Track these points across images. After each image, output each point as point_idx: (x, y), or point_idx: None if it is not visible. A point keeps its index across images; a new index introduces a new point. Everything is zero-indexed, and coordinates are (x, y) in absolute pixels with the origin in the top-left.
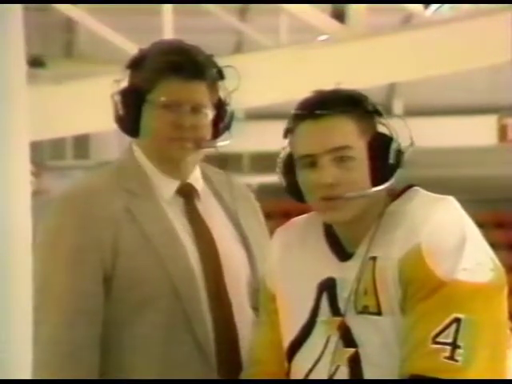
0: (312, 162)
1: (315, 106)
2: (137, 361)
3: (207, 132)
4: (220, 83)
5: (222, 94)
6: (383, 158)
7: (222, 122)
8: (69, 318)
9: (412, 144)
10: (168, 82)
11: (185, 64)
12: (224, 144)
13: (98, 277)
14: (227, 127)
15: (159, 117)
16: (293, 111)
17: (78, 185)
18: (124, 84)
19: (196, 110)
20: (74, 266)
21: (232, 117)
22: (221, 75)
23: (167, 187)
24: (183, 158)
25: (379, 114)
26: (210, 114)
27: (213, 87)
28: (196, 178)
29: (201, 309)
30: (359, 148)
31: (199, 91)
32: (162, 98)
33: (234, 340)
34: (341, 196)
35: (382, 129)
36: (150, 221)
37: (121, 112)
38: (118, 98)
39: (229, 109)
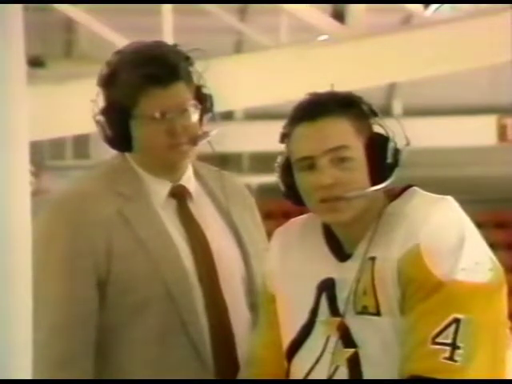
0: (310, 164)
1: (311, 109)
2: (133, 364)
3: (198, 127)
4: (191, 68)
5: (195, 78)
6: (381, 157)
7: (204, 107)
8: (62, 324)
9: (408, 143)
10: (149, 94)
11: (160, 72)
12: (216, 133)
13: (91, 282)
14: (210, 110)
15: (151, 130)
16: (289, 115)
17: (69, 189)
18: (100, 102)
19: (183, 110)
20: (67, 272)
21: (211, 99)
22: (190, 62)
23: (160, 190)
24: (182, 161)
25: (375, 114)
26: (195, 108)
27: (189, 80)
28: (188, 178)
29: (196, 310)
30: (357, 148)
31: (181, 92)
32: (150, 112)
33: (230, 341)
34: (341, 196)
35: (378, 129)
36: (143, 224)
37: (109, 133)
38: (101, 118)
39: (206, 91)
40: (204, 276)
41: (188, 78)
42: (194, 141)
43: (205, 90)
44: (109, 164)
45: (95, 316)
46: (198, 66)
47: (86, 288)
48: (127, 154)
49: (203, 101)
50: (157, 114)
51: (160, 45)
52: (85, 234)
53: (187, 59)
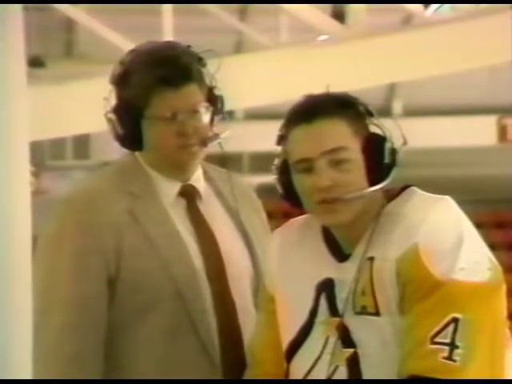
0: (308, 166)
1: (307, 111)
2: (141, 363)
3: (209, 128)
4: (204, 70)
5: (207, 80)
6: (378, 157)
7: (215, 109)
8: (72, 322)
9: (405, 143)
10: (161, 95)
11: (173, 74)
12: (226, 135)
13: (101, 280)
14: (221, 111)
15: (162, 130)
16: (285, 117)
17: (79, 188)
18: (113, 100)
19: (194, 112)
20: (77, 270)
21: (222, 100)
22: (203, 63)
23: (169, 189)
24: (192, 162)
25: (371, 114)
26: (206, 109)
27: (201, 81)
28: (198, 178)
29: (205, 310)
30: (354, 149)
31: (192, 94)
32: (162, 113)
33: (239, 340)
34: (339, 198)
35: (374, 129)
36: (152, 223)
37: (120, 131)
38: (112, 116)
39: (217, 92)
40: (213, 275)
41: (200, 80)
42: (204, 142)
43: (216, 92)
44: (119, 163)
45: (105, 314)
46: (211, 67)
47: (97, 286)
48: (137, 154)
49: (215, 102)
50: (168, 115)
51: (173, 46)
52: (95, 233)
53: (200, 61)
